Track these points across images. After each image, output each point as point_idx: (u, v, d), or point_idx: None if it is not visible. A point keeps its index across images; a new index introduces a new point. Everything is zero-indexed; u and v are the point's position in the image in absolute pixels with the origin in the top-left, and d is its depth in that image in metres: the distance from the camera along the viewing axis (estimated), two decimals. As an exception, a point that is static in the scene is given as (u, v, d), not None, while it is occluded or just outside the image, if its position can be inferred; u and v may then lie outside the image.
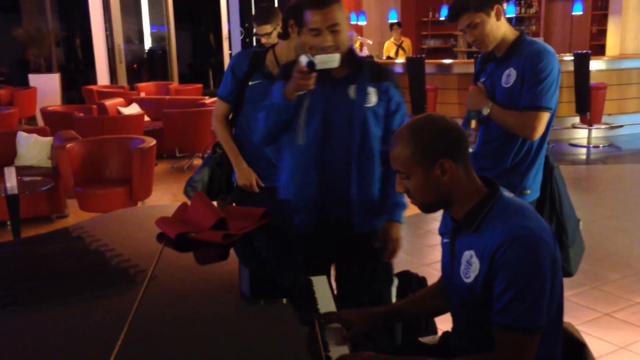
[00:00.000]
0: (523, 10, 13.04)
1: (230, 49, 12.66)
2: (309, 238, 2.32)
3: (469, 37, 2.53)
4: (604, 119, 8.64)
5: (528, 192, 2.59)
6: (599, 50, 10.58)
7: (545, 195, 2.68)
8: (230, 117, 3.03)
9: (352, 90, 2.31)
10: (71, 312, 1.60)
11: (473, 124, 2.64)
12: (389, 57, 10.77)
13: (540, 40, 2.63)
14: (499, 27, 2.50)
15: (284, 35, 2.87)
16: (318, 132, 2.30)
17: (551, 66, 2.46)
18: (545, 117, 2.47)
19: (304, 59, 2.18)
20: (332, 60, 2.22)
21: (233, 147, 2.96)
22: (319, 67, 2.18)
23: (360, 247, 2.40)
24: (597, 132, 8.86)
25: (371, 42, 10.62)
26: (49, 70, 11.40)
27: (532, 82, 2.46)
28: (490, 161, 2.61)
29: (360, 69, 2.33)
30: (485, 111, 2.55)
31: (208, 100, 8.29)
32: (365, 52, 10.22)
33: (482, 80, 2.65)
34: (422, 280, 2.47)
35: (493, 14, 2.47)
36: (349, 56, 2.32)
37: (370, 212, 2.38)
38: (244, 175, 2.92)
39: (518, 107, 2.50)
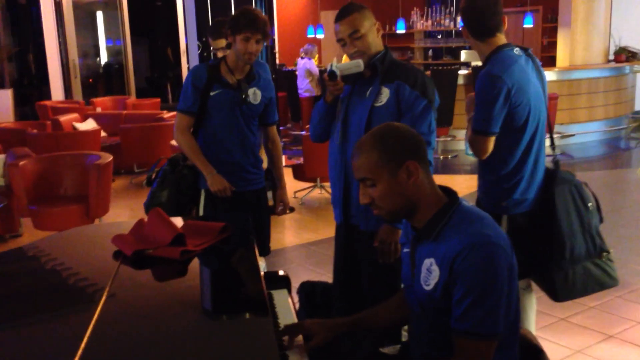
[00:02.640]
0: (477, 23, 13.31)
1: (188, 62, 12.59)
2: (339, 233, 2.61)
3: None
4: (556, 128, 8.89)
5: (503, 204, 2.57)
6: (550, 61, 10.87)
7: (539, 210, 2.58)
8: (191, 130, 3.09)
9: (369, 91, 2.42)
10: (26, 332, 1.56)
11: None
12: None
13: (508, 53, 2.48)
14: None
15: (229, 45, 3.04)
16: (341, 132, 2.47)
17: (491, 93, 2.41)
18: (487, 140, 2.47)
19: (328, 68, 2.34)
20: (355, 65, 2.34)
21: (202, 156, 3.02)
22: (341, 74, 2.35)
23: (365, 246, 2.47)
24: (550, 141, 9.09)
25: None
26: (0, 86, 11.11)
27: (476, 104, 2.50)
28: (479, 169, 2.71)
29: (376, 70, 2.42)
30: (467, 120, 2.61)
31: (166, 114, 8.19)
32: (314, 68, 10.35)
33: None
34: (328, 286, 2.49)
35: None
36: (374, 58, 2.42)
37: (371, 213, 2.39)
38: (217, 181, 2.97)
39: None
